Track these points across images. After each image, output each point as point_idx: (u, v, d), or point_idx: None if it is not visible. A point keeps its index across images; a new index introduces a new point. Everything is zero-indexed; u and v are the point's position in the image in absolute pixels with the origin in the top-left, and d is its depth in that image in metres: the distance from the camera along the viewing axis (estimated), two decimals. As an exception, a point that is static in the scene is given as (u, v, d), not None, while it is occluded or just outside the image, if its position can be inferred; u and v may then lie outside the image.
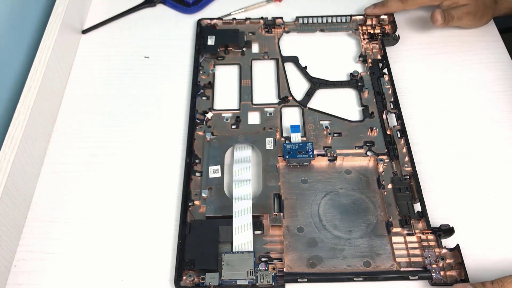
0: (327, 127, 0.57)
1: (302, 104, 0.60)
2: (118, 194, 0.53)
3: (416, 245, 0.48)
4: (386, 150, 0.55)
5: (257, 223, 0.49)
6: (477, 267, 0.47)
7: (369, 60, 0.64)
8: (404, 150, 0.54)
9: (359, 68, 0.64)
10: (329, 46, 0.67)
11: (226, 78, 0.63)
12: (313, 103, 0.60)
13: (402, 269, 0.46)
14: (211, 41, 0.66)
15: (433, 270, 0.46)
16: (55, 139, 0.57)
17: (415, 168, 0.53)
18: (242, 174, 0.53)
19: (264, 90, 0.62)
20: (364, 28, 0.68)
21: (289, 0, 0.72)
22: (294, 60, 0.65)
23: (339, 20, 0.68)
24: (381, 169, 0.53)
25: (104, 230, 0.50)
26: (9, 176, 0.47)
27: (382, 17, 0.68)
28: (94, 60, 0.65)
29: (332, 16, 0.68)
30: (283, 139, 0.56)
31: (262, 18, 0.68)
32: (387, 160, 0.54)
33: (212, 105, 0.60)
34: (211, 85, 0.62)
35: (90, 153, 0.56)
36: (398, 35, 0.65)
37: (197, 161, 0.55)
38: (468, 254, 0.47)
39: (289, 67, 0.65)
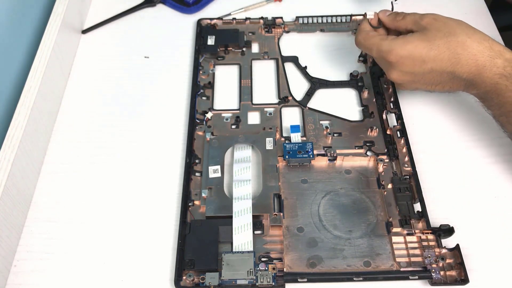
0: (327, 127, 0.57)
1: (302, 104, 0.60)
2: (118, 194, 0.53)
3: (416, 245, 0.48)
4: (386, 150, 0.55)
5: (257, 223, 0.49)
6: (477, 267, 0.47)
7: (369, 60, 0.64)
8: (404, 150, 0.54)
9: (359, 68, 0.64)
10: (329, 46, 0.67)
11: (226, 78, 0.63)
12: (313, 103, 0.60)
13: (402, 269, 0.46)
14: (211, 41, 0.66)
15: (433, 270, 0.46)
16: (55, 139, 0.57)
17: (415, 168, 0.53)
18: (242, 174, 0.52)
19: (264, 90, 0.62)
20: (364, 28, 0.67)
21: (289, 0, 0.72)
22: (294, 60, 0.65)
23: (339, 20, 0.68)
24: (381, 169, 0.53)
25: (104, 230, 0.50)
26: (9, 176, 0.47)
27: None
28: (94, 60, 0.65)
29: (332, 16, 0.68)
30: (283, 139, 0.56)
31: (262, 18, 0.68)
32: (387, 160, 0.54)
33: (212, 105, 0.60)
34: (211, 85, 0.62)
35: (90, 153, 0.56)
36: (398, 35, 0.65)
37: (197, 161, 0.55)
38: (468, 254, 0.47)
39: (289, 67, 0.65)
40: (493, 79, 0.48)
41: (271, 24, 0.68)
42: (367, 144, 0.56)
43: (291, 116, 0.59)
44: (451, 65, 0.49)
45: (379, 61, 0.56)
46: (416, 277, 0.46)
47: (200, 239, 0.48)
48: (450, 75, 0.50)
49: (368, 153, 0.55)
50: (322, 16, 0.68)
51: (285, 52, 0.66)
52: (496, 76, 0.48)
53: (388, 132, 0.56)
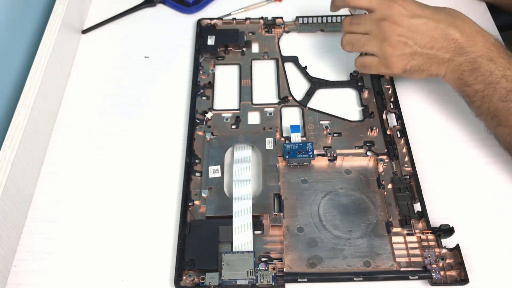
0: (327, 127, 0.57)
1: (302, 104, 0.60)
2: (118, 194, 0.53)
3: (416, 245, 0.48)
4: (386, 150, 0.55)
5: (257, 223, 0.49)
6: (477, 267, 0.47)
7: (369, 60, 0.64)
8: (404, 150, 0.54)
9: (359, 68, 0.64)
10: (329, 46, 0.67)
11: (226, 78, 0.63)
12: (313, 103, 0.60)
13: (402, 269, 0.46)
14: (211, 41, 0.66)
15: (433, 270, 0.46)
16: (55, 139, 0.57)
17: (415, 168, 0.53)
18: (242, 174, 0.52)
19: (264, 90, 0.62)
20: (364, 28, 0.67)
21: (289, 0, 0.72)
22: (294, 60, 0.65)
23: (339, 20, 0.68)
24: (381, 169, 0.53)
25: (104, 230, 0.50)
26: (9, 176, 0.47)
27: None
28: (94, 60, 0.65)
29: (332, 16, 0.68)
30: (283, 139, 0.56)
31: (262, 18, 0.68)
32: (387, 160, 0.54)
33: (212, 105, 0.60)
34: (211, 85, 0.62)
35: (90, 153, 0.56)
36: (398, 35, 0.65)
37: (197, 161, 0.54)
38: (468, 254, 0.47)
39: (289, 67, 0.65)
40: (486, 45, 0.51)
41: (271, 24, 0.68)
42: (367, 144, 0.55)
43: (291, 116, 0.59)
44: (446, 23, 0.52)
45: (371, 15, 0.56)
46: (416, 277, 0.46)
47: (200, 239, 0.48)
48: (442, 32, 0.52)
49: (368, 153, 0.55)
50: (322, 16, 0.68)
51: (285, 52, 0.66)
52: (489, 42, 0.51)
53: (388, 132, 0.56)
